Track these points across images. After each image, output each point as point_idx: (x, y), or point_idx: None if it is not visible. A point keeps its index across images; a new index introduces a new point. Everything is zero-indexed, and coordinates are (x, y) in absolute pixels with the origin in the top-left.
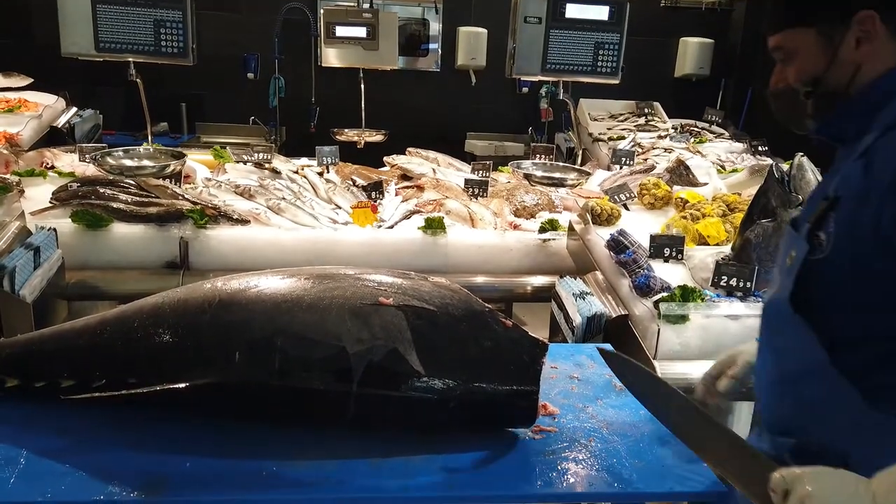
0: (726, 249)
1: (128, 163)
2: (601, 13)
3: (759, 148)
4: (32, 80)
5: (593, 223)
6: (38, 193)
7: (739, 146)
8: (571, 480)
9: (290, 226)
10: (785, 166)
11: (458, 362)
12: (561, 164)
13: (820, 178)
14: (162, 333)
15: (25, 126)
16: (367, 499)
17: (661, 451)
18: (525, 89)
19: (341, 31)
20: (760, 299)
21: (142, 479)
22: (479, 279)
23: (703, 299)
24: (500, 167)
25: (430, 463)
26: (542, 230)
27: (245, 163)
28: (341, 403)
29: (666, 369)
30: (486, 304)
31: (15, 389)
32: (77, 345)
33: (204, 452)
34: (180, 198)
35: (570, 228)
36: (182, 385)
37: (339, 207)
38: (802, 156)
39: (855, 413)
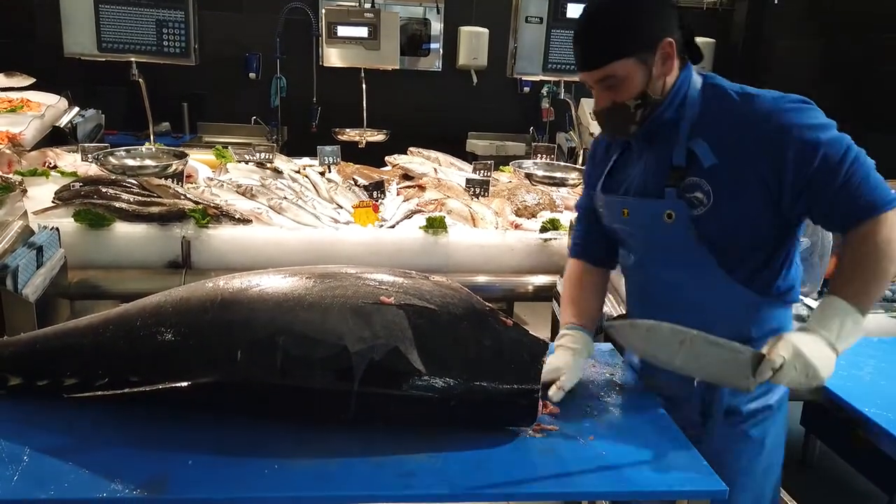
0: None
1: (130, 162)
2: None
3: None
4: (35, 80)
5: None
6: (41, 193)
7: None
8: (574, 479)
9: (292, 225)
10: None
11: (458, 361)
12: (562, 163)
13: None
14: (164, 332)
15: (28, 126)
16: (368, 497)
17: (662, 449)
18: (526, 89)
19: (343, 30)
20: None
21: (144, 476)
22: (481, 279)
23: None
24: (501, 167)
25: (431, 461)
26: (544, 230)
27: (247, 162)
28: (343, 402)
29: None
30: (488, 304)
31: (18, 388)
32: (80, 343)
33: (206, 451)
34: (182, 197)
35: (571, 227)
36: (184, 384)
37: (341, 207)
38: None
39: (751, 309)
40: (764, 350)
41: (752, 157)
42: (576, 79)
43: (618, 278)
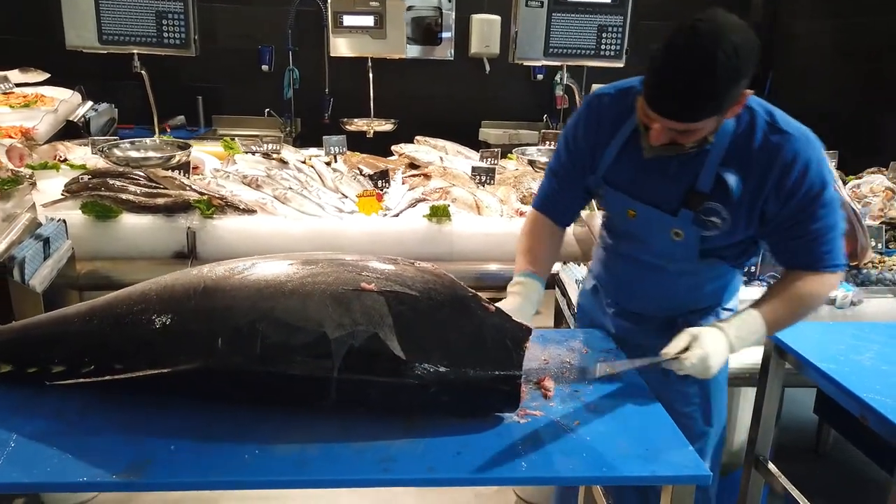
0: None
1: (134, 154)
2: None
3: None
4: (49, 75)
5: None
6: (52, 186)
7: None
8: (555, 463)
9: (296, 215)
10: None
11: (440, 347)
12: None
13: (830, 161)
14: (149, 320)
15: (41, 120)
16: (349, 481)
17: (647, 435)
18: (540, 76)
19: (349, 20)
20: (765, 283)
21: (126, 460)
22: (486, 267)
23: None
24: (508, 154)
25: (412, 446)
26: None
27: (254, 153)
28: (322, 388)
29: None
30: (471, 290)
31: (8, 375)
32: (67, 331)
33: (189, 436)
34: (188, 188)
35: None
36: (166, 370)
37: (346, 196)
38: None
39: (727, 282)
40: (683, 342)
41: (764, 189)
42: (577, 63)
43: None
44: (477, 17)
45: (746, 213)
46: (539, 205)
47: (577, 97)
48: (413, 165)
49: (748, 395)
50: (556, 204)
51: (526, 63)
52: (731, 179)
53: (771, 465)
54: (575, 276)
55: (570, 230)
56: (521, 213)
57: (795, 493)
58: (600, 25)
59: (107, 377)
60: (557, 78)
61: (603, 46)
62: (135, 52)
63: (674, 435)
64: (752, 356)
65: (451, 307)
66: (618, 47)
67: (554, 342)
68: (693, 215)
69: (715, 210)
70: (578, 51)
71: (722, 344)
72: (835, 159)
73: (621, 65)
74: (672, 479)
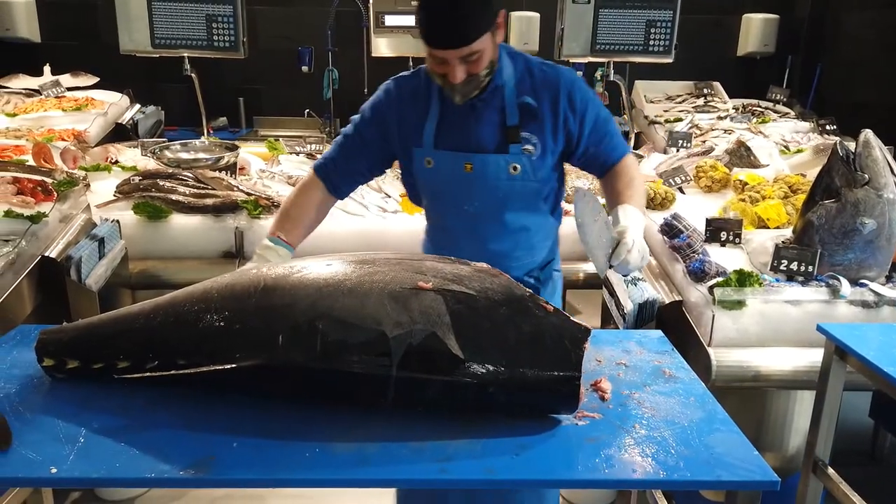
0: (787, 232)
1: (184, 156)
2: None
3: (827, 127)
4: (99, 79)
5: (647, 207)
6: (104, 187)
7: (805, 125)
8: (615, 467)
9: (340, 215)
10: (851, 144)
11: (497, 347)
12: None
13: (888, 155)
14: (210, 317)
15: (92, 123)
16: (406, 481)
17: (711, 439)
18: (579, 73)
19: (390, 20)
20: (824, 284)
21: (190, 457)
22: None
23: (760, 284)
24: None
25: (470, 447)
26: None
27: (297, 154)
28: (381, 386)
29: (722, 357)
30: (527, 289)
31: (76, 370)
32: (132, 328)
33: (250, 433)
34: (235, 189)
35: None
36: (227, 366)
37: (389, 196)
38: (869, 132)
39: (553, 233)
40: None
41: (561, 112)
42: (625, 59)
43: (672, 263)
44: (516, 15)
45: (551, 133)
46: (319, 169)
47: (622, 93)
48: None
49: (803, 399)
50: (335, 171)
51: (573, 60)
52: (531, 103)
53: (830, 470)
54: (623, 276)
55: None
56: (567, 213)
57: (856, 497)
58: (649, 21)
59: (170, 372)
60: (598, 75)
61: (651, 42)
62: (185, 55)
63: (738, 439)
64: (809, 358)
65: (508, 306)
66: (667, 43)
67: (607, 343)
68: (519, 147)
69: (527, 138)
70: (626, 47)
71: (640, 235)
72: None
73: (670, 60)
74: (738, 485)
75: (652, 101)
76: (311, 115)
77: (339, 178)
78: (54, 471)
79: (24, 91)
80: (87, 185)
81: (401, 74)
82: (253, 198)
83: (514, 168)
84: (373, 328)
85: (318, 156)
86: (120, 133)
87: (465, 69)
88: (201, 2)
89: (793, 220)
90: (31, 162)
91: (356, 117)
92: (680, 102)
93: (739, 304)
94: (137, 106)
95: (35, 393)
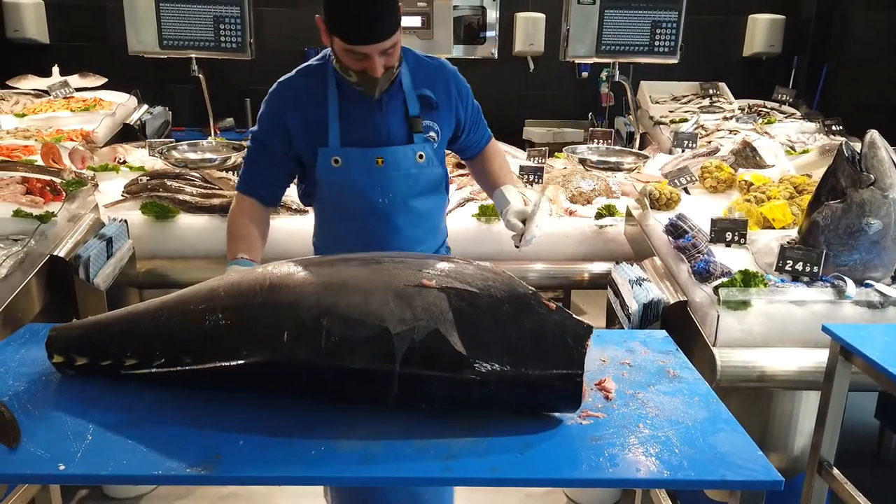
0: (793, 233)
1: (192, 156)
2: None
3: (833, 127)
4: (107, 79)
5: (651, 208)
6: (112, 187)
7: (811, 126)
8: (619, 466)
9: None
10: (857, 145)
11: (500, 344)
12: (617, 147)
13: (894, 156)
14: (216, 315)
15: (100, 124)
16: (411, 479)
17: (715, 438)
18: (584, 74)
19: None
20: (829, 284)
21: (196, 454)
22: (536, 266)
23: (765, 284)
24: (556, 153)
25: (475, 445)
26: (599, 216)
27: None
28: (385, 383)
29: (727, 357)
30: (530, 287)
31: (84, 367)
32: (139, 326)
33: (256, 430)
34: None
35: (628, 214)
36: (233, 363)
37: None
38: (874, 132)
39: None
40: (515, 215)
41: (452, 100)
42: (630, 60)
43: (677, 264)
44: (521, 16)
45: (447, 119)
46: (245, 189)
47: (628, 94)
48: (461, 165)
49: (808, 399)
50: (258, 185)
51: (578, 61)
52: (429, 95)
53: (835, 471)
54: (628, 276)
55: (622, 229)
56: (572, 213)
57: (861, 498)
58: (654, 21)
59: (176, 369)
60: (603, 76)
61: (657, 43)
62: (193, 56)
63: (742, 439)
64: (814, 359)
65: (510, 304)
66: (672, 43)
67: (611, 343)
68: (422, 136)
69: (429, 126)
70: (631, 48)
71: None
72: None
73: (675, 61)
74: (743, 485)
75: (657, 102)
76: None
77: (264, 190)
78: (63, 468)
79: (32, 92)
80: (96, 185)
81: (286, 77)
82: None
83: (420, 156)
84: (376, 325)
85: None
86: (128, 133)
87: (384, 63)
88: (209, 3)
89: (798, 221)
90: (40, 162)
91: (255, 130)
92: (685, 103)
93: (744, 304)
94: (145, 107)
95: (43, 391)
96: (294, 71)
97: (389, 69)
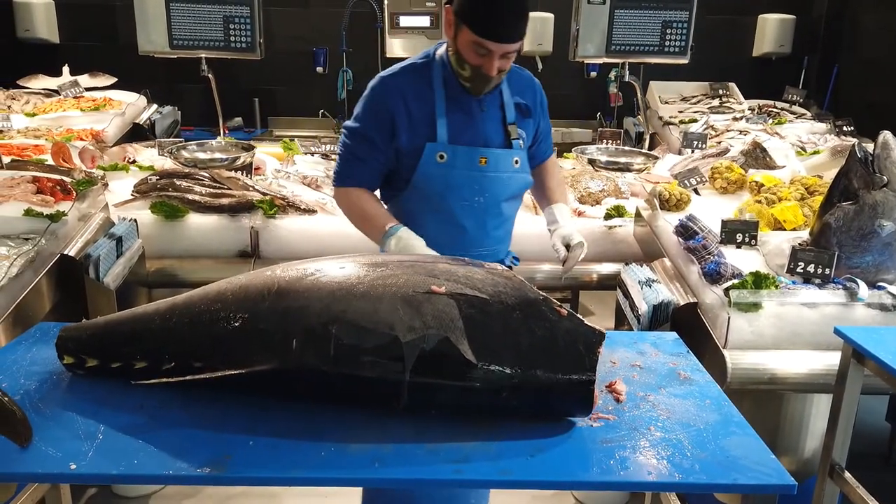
0: (804, 234)
1: (201, 156)
2: None
3: (845, 128)
4: (116, 79)
5: (661, 209)
6: (121, 186)
7: (822, 127)
8: (630, 468)
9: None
10: (870, 146)
11: (511, 351)
12: (627, 148)
13: None
14: (225, 319)
15: (110, 123)
16: (422, 481)
17: (727, 441)
18: (593, 74)
19: (405, 20)
20: (842, 286)
21: (207, 455)
22: (544, 267)
23: (776, 286)
24: (564, 153)
25: (485, 448)
26: (608, 217)
27: (312, 154)
28: (394, 391)
29: (737, 359)
30: (541, 292)
31: (95, 369)
32: (149, 328)
33: (266, 432)
34: (251, 189)
35: (637, 214)
36: (243, 370)
37: None
38: (887, 133)
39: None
40: (560, 239)
41: (537, 111)
42: (640, 60)
43: (687, 265)
44: (530, 15)
45: (531, 129)
46: (349, 182)
47: (637, 94)
48: None
49: (819, 402)
50: (366, 178)
51: (588, 61)
52: (523, 102)
53: (847, 474)
54: (637, 278)
55: (631, 230)
56: (580, 213)
57: (873, 502)
58: (665, 21)
59: (186, 377)
60: (612, 76)
61: (667, 43)
62: (203, 55)
63: (754, 442)
64: (825, 361)
65: (521, 310)
66: (683, 43)
67: (621, 345)
68: (517, 142)
69: (520, 133)
70: (642, 47)
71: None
72: None
73: (686, 61)
74: (755, 488)
75: (666, 102)
76: (325, 116)
77: (367, 182)
78: (74, 467)
79: (43, 91)
80: (106, 185)
81: (390, 73)
82: (268, 198)
83: (516, 161)
84: (386, 333)
85: (333, 155)
86: (137, 133)
87: (501, 65)
88: (218, 3)
89: (809, 223)
90: (51, 161)
91: (355, 125)
92: (695, 103)
93: (755, 306)
94: (154, 106)
95: (54, 390)
96: (397, 67)
97: (501, 73)
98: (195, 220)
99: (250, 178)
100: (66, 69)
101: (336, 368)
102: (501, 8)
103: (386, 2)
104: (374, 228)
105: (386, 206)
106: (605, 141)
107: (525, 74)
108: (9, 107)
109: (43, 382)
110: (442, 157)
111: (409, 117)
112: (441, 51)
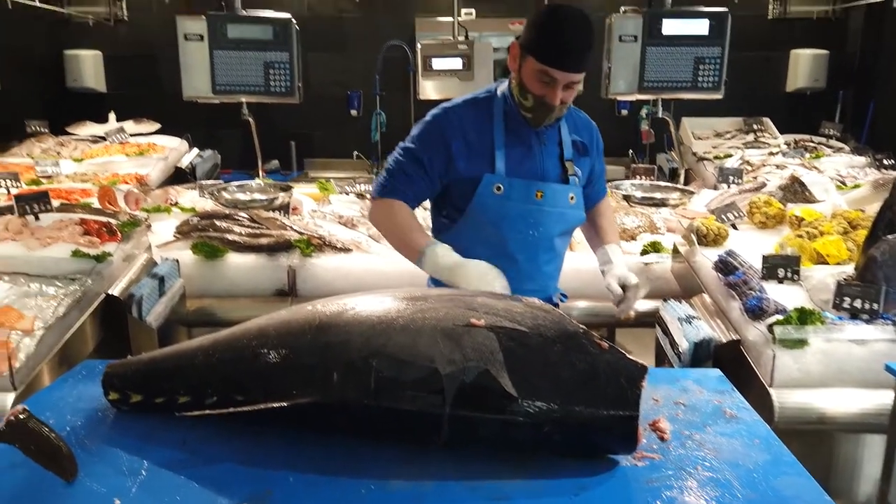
0: (849, 269)
1: (241, 196)
2: (700, 28)
3: (885, 161)
4: (160, 125)
5: (699, 244)
6: (164, 228)
7: (861, 160)
8: None
9: (390, 253)
10: None
11: (551, 385)
12: (662, 183)
13: None
14: (266, 354)
15: (153, 167)
16: None
17: (778, 482)
18: (624, 111)
19: (438, 63)
20: (891, 322)
21: (248, 491)
22: (579, 304)
23: (822, 322)
24: None
25: (528, 486)
26: (644, 253)
27: (347, 194)
28: (435, 424)
29: (784, 398)
30: (581, 326)
31: (139, 404)
32: (192, 364)
33: (306, 468)
34: (288, 228)
35: (675, 250)
36: (284, 403)
37: None
38: None
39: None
40: (615, 279)
41: (593, 151)
42: (673, 96)
43: (728, 301)
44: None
45: (586, 168)
46: (392, 194)
47: (671, 130)
48: None
49: (872, 443)
50: (408, 193)
51: (620, 98)
52: (581, 140)
53: None
54: (677, 314)
55: (668, 266)
56: None
57: None
58: (697, 58)
59: (229, 409)
60: (643, 113)
61: (700, 78)
62: (244, 100)
63: (808, 483)
64: (876, 400)
65: (562, 343)
66: (716, 79)
67: (663, 381)
68: (574, 179)
69: (577, 171)
70: (674, 84)
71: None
72: None
73: (720, 96)
74: None
75: (700, 138)
76: (359, 157)
77: (409, 197)
78: (118, 503)
79: (90, 138)
80: (149, 226)
81: (453, 104)
82: (305, 237)
83: (572, 198)
84: (426, 366)
85: (367, 195)
86: (179, 176)
87: (564, 97)
88: (259, 49)
89: (854, 257)
90: (97, 204)
91: (411, 146)
92: (729, 139)
93: (801, 342)
94: (196, 150)
95: (100, 426)
96: (459, 99)
97: (563, 105)
98: (234, 259)
99: (288, 218)
100: (112, 116)
101: (377, 402)
102: (567, 38)
103: (419, 45)
104: (411, 241)
105: (438, 236)
106: (638, 177)
107: (583, 115)
108: (58, 153)
109: (89, 419)
110: (499, 188)
111: (467, 147)
112: (503, 87)
